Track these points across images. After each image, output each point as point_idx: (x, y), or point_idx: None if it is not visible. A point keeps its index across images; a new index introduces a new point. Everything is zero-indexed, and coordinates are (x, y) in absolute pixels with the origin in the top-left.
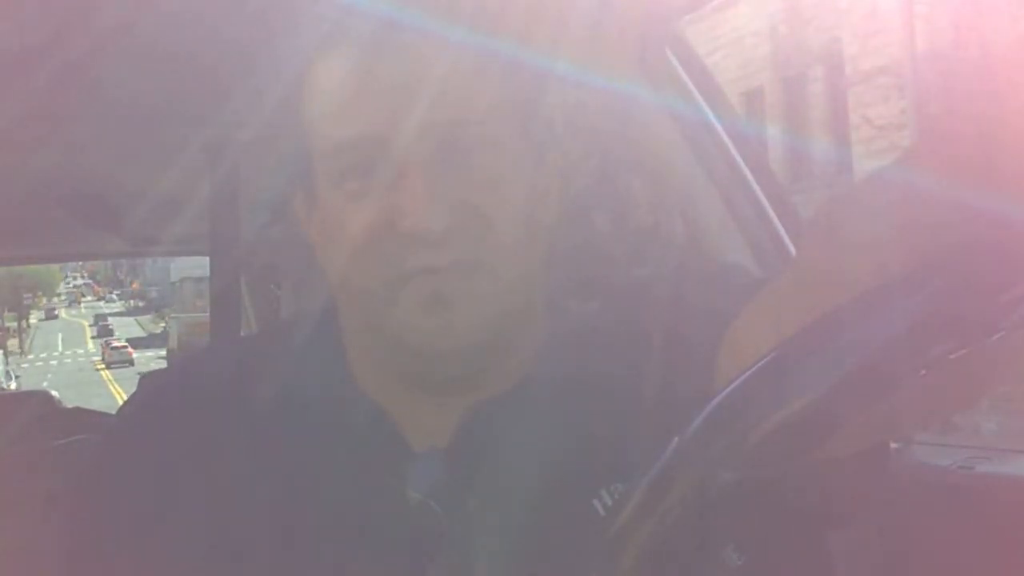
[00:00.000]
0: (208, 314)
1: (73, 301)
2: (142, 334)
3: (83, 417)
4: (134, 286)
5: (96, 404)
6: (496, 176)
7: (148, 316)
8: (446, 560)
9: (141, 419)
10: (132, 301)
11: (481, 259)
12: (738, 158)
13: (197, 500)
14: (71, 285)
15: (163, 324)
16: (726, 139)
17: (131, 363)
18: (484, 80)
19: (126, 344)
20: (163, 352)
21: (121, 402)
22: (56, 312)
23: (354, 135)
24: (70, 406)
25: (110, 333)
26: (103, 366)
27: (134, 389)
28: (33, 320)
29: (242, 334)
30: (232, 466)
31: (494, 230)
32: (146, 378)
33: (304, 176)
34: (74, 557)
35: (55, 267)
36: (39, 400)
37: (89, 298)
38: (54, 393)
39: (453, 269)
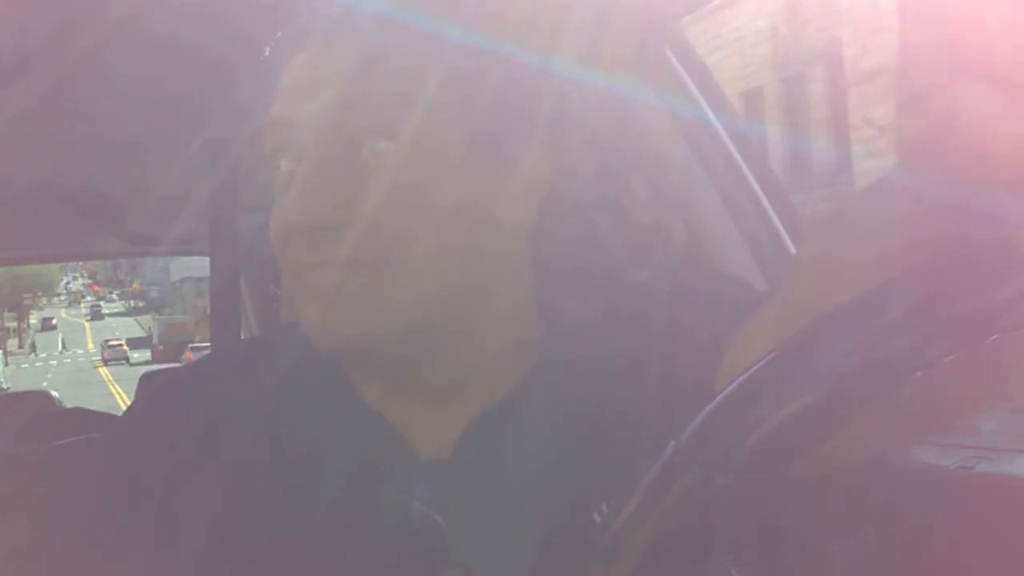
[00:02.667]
0: (185, 316)
1: (73, 301)
2: (142, 334)
3: (83, 417)
4: (134, 286)
5: (96, 402)
6: (401, 177)
7: (148, 316)
8: (449, 573)
9: (145, 421)
10: (132, 301)
11: (368, 258)
12: (738, 158)
13: (199, 504)
14: (71, 287)
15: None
16: (726, 139)
17: (127, 360)
18: (415, 82)
19: (122, 342)
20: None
21: (119, 399)
22: (53, 321)
23: (269, 120)
24: (70, 406)
25: (102, 317)
26: (102, 364)
27: (133, 389)
28: (33, 320)
29: (243, 336)
30: (234, 472)
31: (386, 230)
32: (146, 378)
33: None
34: (77, 557)
35: (55, 267)
36: (38, 400)
37: (89, 298)
38: (54, 393)
39: (334, 265)
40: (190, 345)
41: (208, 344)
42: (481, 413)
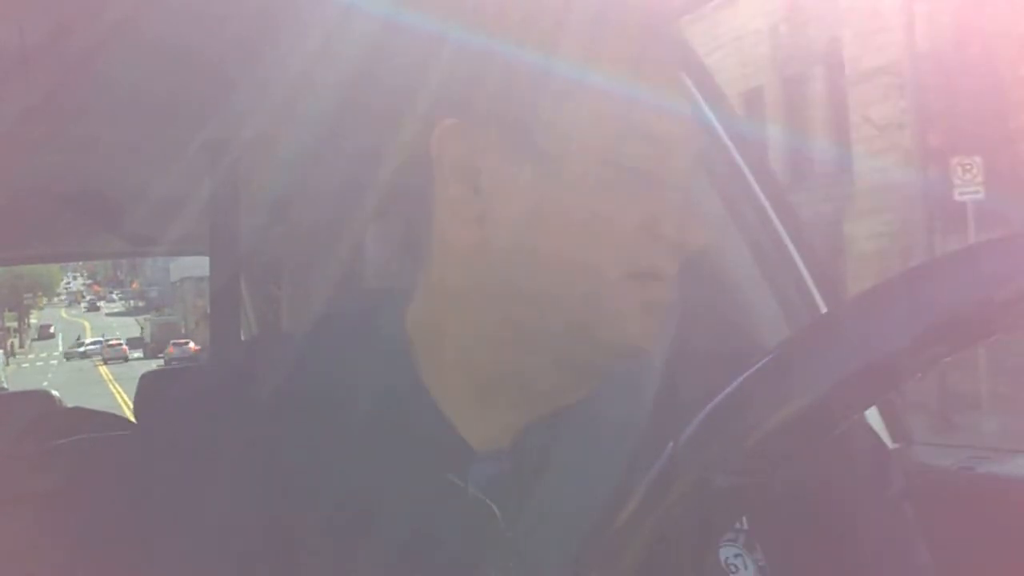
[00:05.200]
0: (173, 316)
1: (73, 301)
2: (141, 334)
3: (83, 417)
4: (134, 286)
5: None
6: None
7: (154, 315)
8: (500, 558)
9: (151, 421)
10: (132, 301)
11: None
12: (738, 158)
13: (247, 487)
14: (71, 287)
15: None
16: (726, 140)
17: (125, 359)
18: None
19: (122, 342)
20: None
21: (117, 396)
22: (51, 329)
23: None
24: (70, 406)
25: (97, 308)
26: (102, 363)
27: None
28: (34, 320)
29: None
30: (287, 456)
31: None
32: (146, 377)
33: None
34: (78, 557)
35: (55, 267)
36: (39, 400)
37: (89, 298)
38: (54, 393)
39: (669, 280)
40: (172, 341)
41: (186, 340)
42: (549, 412)
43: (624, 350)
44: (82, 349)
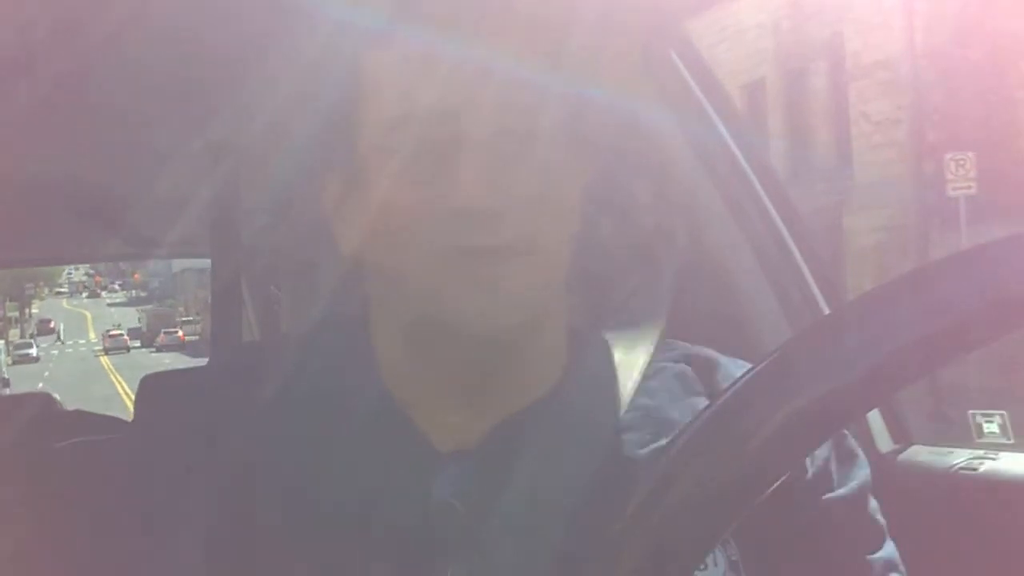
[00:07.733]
0: (168, 308)
1: (75, 292)
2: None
3: (84, 419)
4: (136, 277)
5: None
6: (550, 166)
7: (150, 306)
8: (466, 560)
9: (150, 425)
10: (134, 292)
11: (530, 244)
12: (742, 160)
13: (216, 496)
14: (72, 278)
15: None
16: (729, 141)
17: (127, 350)
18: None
19: (123, 333)
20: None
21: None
22: (51, 324)
23: (414, 110)
24: (71, 408)
25: (98, 296)
26: (103, 353)
27: (134, 384)
28: (36, 310)
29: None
30: (253, 462)
31: (544, 217)
32: (148, 379)
33: (343, 161)
34: (80, 558)
35: None
36: (39, 402)
37: (91, 287)
38: (55, 395)
39: (505, 251)
40: (163, 330)
41: (175, 329)
42: (513, 412)
43: (462, 333)
44: (33, 351)
